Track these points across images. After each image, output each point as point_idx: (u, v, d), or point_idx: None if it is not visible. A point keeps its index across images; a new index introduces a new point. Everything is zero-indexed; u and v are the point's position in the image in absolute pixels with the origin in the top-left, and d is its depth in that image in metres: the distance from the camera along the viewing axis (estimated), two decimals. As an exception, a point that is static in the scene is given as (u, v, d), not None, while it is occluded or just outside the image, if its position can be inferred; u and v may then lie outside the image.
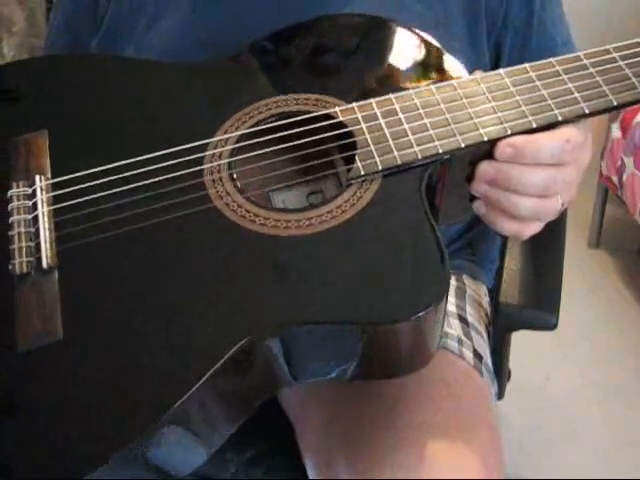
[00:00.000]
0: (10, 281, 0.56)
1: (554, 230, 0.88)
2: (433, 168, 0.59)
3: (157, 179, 0.59)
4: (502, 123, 0.59)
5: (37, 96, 0.68)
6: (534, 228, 0.61)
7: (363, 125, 0.60)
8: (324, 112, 0.62)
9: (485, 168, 0.59)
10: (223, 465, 0.82)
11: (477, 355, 0.76)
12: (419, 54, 0.67)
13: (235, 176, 0.60)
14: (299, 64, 0.68)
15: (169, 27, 0.75)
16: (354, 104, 0.62)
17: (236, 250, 0.57)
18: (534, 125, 0.59)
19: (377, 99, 0.61)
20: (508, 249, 0.85)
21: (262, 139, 0.62)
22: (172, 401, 0.50)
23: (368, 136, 0.60)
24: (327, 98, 0.63)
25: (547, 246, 0.86)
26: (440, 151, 0.59)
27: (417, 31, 0.68)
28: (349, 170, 0.60)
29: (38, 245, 0.57)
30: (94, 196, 0.59)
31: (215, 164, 0.60)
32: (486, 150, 0.59)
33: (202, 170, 0.60)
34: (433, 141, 0.59)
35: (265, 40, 0.69)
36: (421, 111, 0.60)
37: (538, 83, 0.61)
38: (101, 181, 0.59)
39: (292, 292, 0.54)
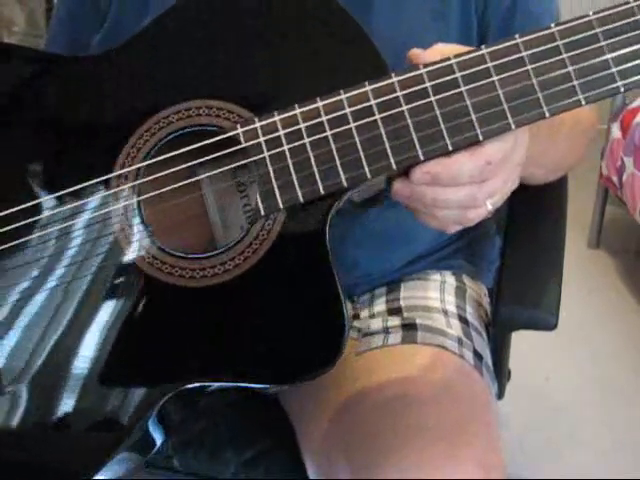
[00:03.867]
0: None
1: (554, 230, 0.88)
2: (340, 200, 0.56)
3: (66, 224, 0.57)
4: (416, 149, 0.53)
5: None
6: (459, 227, 0.57)
7: (266, 154, 0.55)
8: (226, 136, 0.56)
9: (400, 188, 0.55)
10: (223, 465, 0.82)
11: (477, 355, 0.76)
12: (341, 52, 0.58)
13: (144, 219, 0.57)
14: (197, 61, 0.59)
15: None
16: (257, 123, 0.56)
17: (141, 304, 0.56)
18: (450, 148, 0.52)
19: (281, 116, 0.55)
20: (508, 249, 0.85)
21: (163, 173, 0.57)
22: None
23: (271, 169, 0.55)
24: (232, 107, 0.57)
25: (547, 246, 0.86)
26: (345, 185, 0.54)
27: (353, 23, 0.58)
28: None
29: None
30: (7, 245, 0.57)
31: (121, 205, 0.57)
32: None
33: (110, 214, 0.57)
34: (338, 175, 0.54)
35: (157, 31, 0.60)
36: (328, 133, 0.54)
37: (463, 89, 0.53)
38: (14, 226, 0.57)
39: (191, 351, 0.54)
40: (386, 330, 0.75)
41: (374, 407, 0.68)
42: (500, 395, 0.93)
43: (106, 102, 0.60)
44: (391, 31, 0.69)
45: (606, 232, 1.95)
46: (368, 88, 0.54)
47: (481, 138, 0.52)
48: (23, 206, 0.58)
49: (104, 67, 0.61)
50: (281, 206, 0.55)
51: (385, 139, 0.53)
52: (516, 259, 0.84)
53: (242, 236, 0.56)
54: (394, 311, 0.78)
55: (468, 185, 0.53)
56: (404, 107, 0.53)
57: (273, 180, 0.55)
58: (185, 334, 0.55)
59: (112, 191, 0.57)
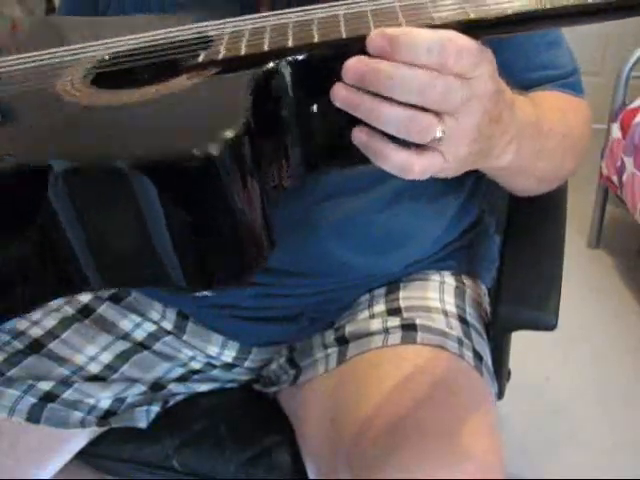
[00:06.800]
0: None
1: (554, 230, 0.88)
2: (281, 66, 0.52)
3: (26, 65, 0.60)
4: (369, 22, 0.51)
5: None
6: (424, 162, 0.50)
7: (226, 28, 0.57)
8: (197, 26, 0.59)
9: (353, 63, 0.49)
10: (223, 465, 0.82)
11: (477, 355, 0.76)
12: None
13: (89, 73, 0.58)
14: None
15: None
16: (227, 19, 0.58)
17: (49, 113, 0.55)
18: (401, 22, 0.50)
19: (252, 16, 0.57)
20: (507, 249, 0.85)
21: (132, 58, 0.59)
22: None
23: (226, 38, 0.55)
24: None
25: (547, 246, 0.86)
26: (290, 44, 0.52)
27: None
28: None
29: None
30: None
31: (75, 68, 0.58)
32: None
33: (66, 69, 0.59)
34: (286, 36, 0.53)
35: None
36: (291, 17, 0.55)
37: None
38: None
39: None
40: (386, 330, 0.75)
41: (374, 407, 0.68)
42: (500, 395, 0.93)
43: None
44: None
45: (606, 232, 1.95)
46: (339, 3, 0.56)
47: (472, 15, 0.49)
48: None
49: None
50: (221, 55, 0.54)
51: (341, 17, 0.53)
52: (516, 259, 0.84)
53: (171, 75, 0.54)
54: (394, 311, 0.78)
55: (426, 68, 0.48)
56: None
57: (224, 42, 0.55)
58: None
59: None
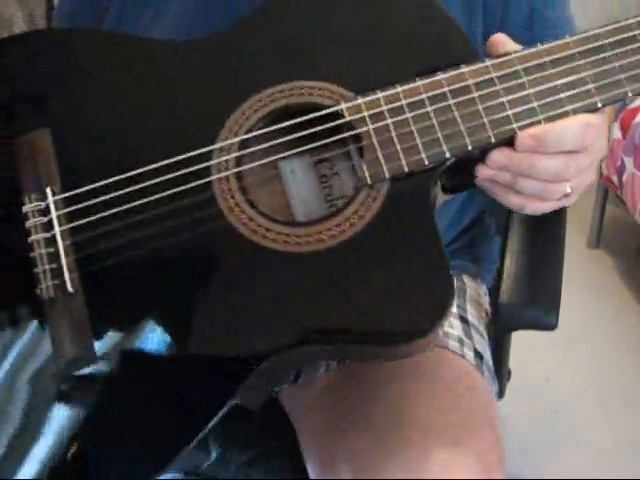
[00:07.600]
0: (40, 304, 0.56)
1: (554, 230, 0.88)
2: (442, 169, 0.58)
3: (168, 193, 0.57)
4: (512, 123, 0.57)
5: (33, 83, 0.63)
6: (538, 206, 0.59)
7: (370, 127, 0.58)
8: (330, 110, 0.59)
9: (498, 157, 0.57)
10: (223, 465, 0.82)
11: (478, 355, 0.76)
12: (434, 36, 0.62)
13: (245, 188, 0.58)
14: (299, 43, 0.63)
15: (174, 22, 0.75)
16: (360, 100, 0.59)
17: (250, 269, 0.56)
18: (541, 117, 0.57)
19: (384, 93, 0.58)
20: (508, 249, 0.85)
21: (267, 145, 0.59)
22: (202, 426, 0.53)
23: (375, 140, 0.58)
24: (333, 87, 0.60)
25: (547, 246, 0.86)
26: (448, 156, 0.57)
27: (442, 11, 0.62)
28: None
29: (60, 267, 0.56)
30: (108, 213, 0.57)
31: (223, 175, 0.58)
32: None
33: (211, 182, 0.58)
34: (441, 145, 0.57)
35: (258, 17, 0.64)
36: (429, 109, 0.58)
37: (553, 71, 0.58)
38: (113, 195, 0.57)
39: (304, 311, 0.55)
40: (386, 330, 0.75)
41: (376, 407, 0.68)
42: (500, 395, 0.93)
43: (210, 81, 0.63)
44: None
45: (606, 232, 1.95)
46: (465, 69, 0.58)
47: (600, 104, 0.58)
48: (128, 174, 0.58)
49: (208, 49, 0.63)
50: (387, 175, 0.57)
51: (483, 114, 0.57)
52: (516, 259, 0.84)
53: (346, 204, 0.57)
54: (394, 311, 0.78)
55: (566, 153, 0.56)
56: (499, 87, 0.58)
57: (378, 151, 0.58)
58: (285, 299, 0.55)
59: (218, 160, 0.58)
